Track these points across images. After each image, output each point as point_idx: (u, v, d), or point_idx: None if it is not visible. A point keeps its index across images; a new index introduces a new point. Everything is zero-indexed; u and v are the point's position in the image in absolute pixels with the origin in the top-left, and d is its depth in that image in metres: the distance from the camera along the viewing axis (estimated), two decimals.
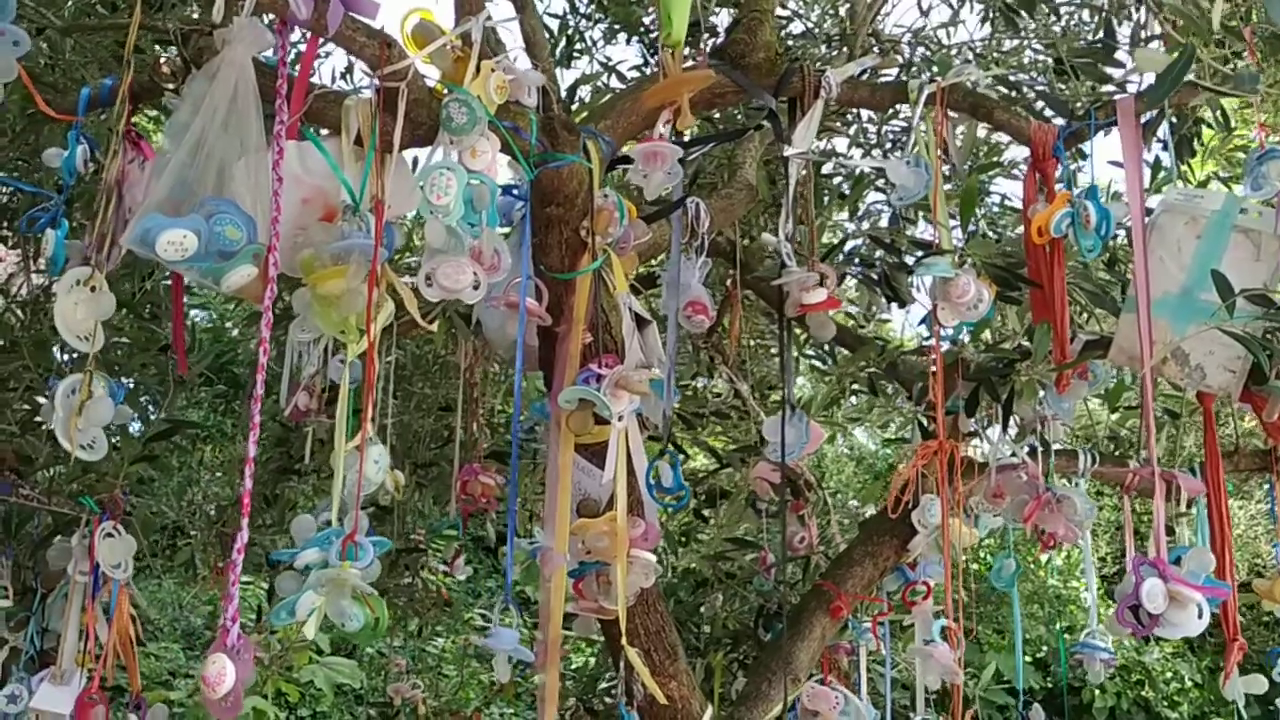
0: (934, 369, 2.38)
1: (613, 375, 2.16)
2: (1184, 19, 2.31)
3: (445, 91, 2.07)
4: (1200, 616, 1.98)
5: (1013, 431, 2.97)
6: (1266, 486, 5.76)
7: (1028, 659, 8.06)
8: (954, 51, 3.39)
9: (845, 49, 3.23)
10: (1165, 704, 8.20)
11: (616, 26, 4.03)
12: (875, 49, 3.37)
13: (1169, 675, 8.26)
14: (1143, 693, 8.22)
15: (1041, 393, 2.59)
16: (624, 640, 2.25)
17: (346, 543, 1.87)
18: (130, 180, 2.25)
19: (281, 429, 4.17)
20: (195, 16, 2.29)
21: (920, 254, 2.41)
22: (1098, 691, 8.09)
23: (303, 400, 3.26)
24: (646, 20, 3.98)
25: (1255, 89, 2.13)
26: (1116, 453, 3.49)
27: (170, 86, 2.26)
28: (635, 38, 4.02)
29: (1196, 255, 2.16)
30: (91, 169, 2.42)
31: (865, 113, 3.78)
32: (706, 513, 4.02)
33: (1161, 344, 2.14)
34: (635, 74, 3.96)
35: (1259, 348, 2.02)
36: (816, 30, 3.71)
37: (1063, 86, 2.80)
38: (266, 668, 5.56)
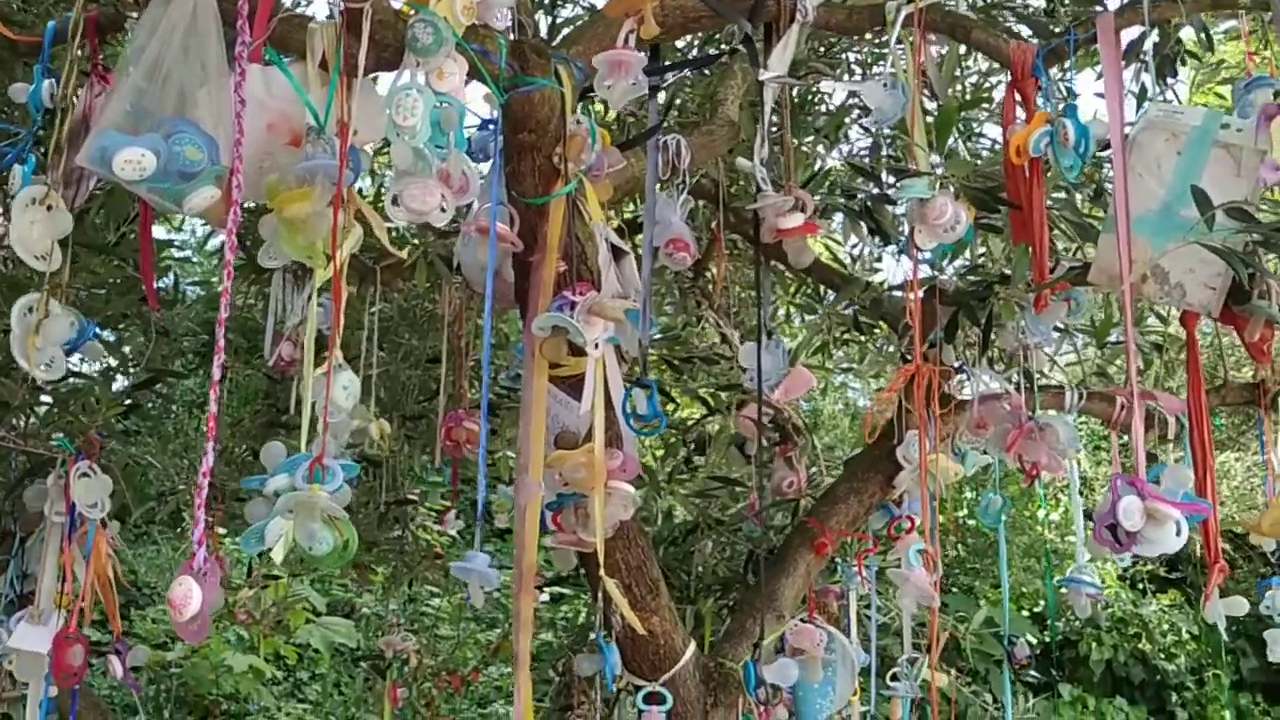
0: (912, 296, 2.35)
1: (586, 301, 2.14)
2: None
3: (411, 12, 2.03)
4: (1179, 534, 1.96)
5: (999, 366, 2.95)
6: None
7: (1025, 613, 8.07)
8: None
9: None
10: (1162, 656, 8.22)
11: None
12: None
13: (1166, 628, 8.27)
14: (1140, 645, 8.23)
15: (1020, 315, 2.56)
16: (601, 571, 2.24)
17: (314, 466, 1.85)
18: (97, 114, 2.22)
19: (268, 381, 4.15)
20: None
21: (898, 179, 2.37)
22: (1094, 644, 8.11)
23: (287, 351, 3.24)
24: None
25: None
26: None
27: (134, 15, 2.23)
28: None
29: (1177, 171, 2.13)
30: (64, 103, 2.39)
31: (852, 55, 3.75)
32: (697, 460, 4.00)
33: (1141, 262, 2.11)
34: None
35: (1239, 262, 1.99)
36: None
37: (1046, 13, 2.76)
38: (259, 624, 5.57)
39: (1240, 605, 2.49)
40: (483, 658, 7.10)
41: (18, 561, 2.71)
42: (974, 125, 3.81)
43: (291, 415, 3.85)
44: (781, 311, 4.58)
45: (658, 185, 2.71)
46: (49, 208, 1.79)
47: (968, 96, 3.55)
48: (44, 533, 2.60)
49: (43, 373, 1.82)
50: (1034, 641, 7.86)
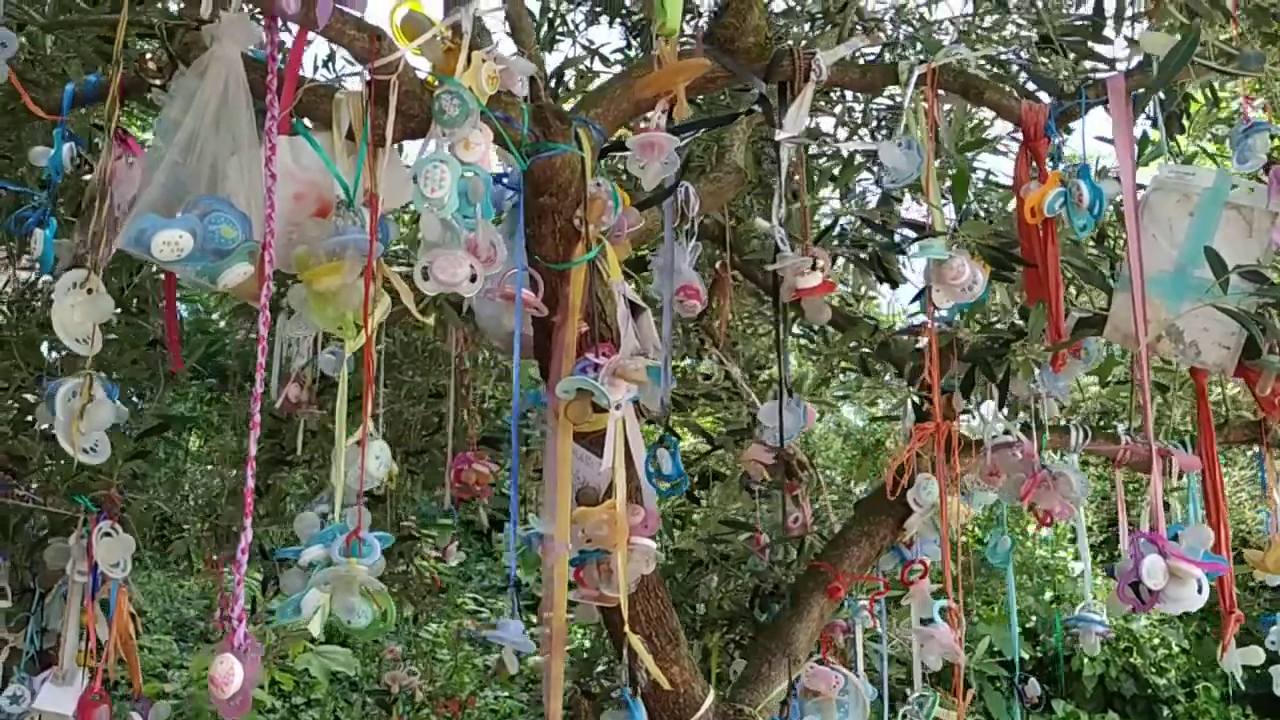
0: (929, 351, 2.38)
1: (610, 364, 2.16)
2: None
3: (437, 83, 2.06)
4: (1200, 592, 2.00)
5: (1007, 409, 2.98)
6: (1251, 453, 5.81)
7: (1018, 629, 8.12)
8: (938, 27, 3.38)
9: (831, 26, 3.22)
10: (1153, 670, 8.28)
11: (598, 9, 4.02)
12: (859, 27, 3.36)
13: (1156, 642, 8.33)
14: (1131, 660, 8.29)
15: (1037, 372, 2.60)
16: (626, 627, 2.26)
17: (351, 539, 1.87)
18: (118, 178, 2.23)
19: (273, 420, 4.16)
20: (180, 10, 2.26)
21: (911, 235, 2.40)
22: (1086, 660, 8.16)
23: (293, 392, 3.26)
24: (628, 2, 3.96)
25: (1260, 69, 2.13)
26: (1107, 426, 3.52)
27: (157, 82, 2.24)
28: (617, 20, 4.01)
29: (1190, 233, 2.17)
30: (76, 166, 2.41)
31: (850, 92, 3.78)
32: (700, 495, 4.03)
33: (1156, 322, 2.15)
34: (619, 56, 3.96)
35: (1253, 324, 2.03)
36: (799, 8, 3.69)
37: (1046, 62, 2.79)
38: (264, 658, 5.54)
39: (1256, 655, 2.53)
40: (480, 683, 7.11)
41: (37, 617, 2.71)
42: (971, 161, 3.85)
43: (296, 455, 3.87)
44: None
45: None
46: (89, 291, 1.80)
47: (967, 134, 3.58)
48: (64, 590, 2.61)
49: (87, 457, 1.83)
50: (1026, 657, 7.92)
